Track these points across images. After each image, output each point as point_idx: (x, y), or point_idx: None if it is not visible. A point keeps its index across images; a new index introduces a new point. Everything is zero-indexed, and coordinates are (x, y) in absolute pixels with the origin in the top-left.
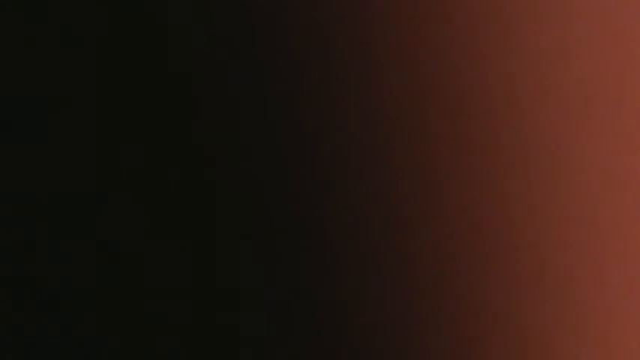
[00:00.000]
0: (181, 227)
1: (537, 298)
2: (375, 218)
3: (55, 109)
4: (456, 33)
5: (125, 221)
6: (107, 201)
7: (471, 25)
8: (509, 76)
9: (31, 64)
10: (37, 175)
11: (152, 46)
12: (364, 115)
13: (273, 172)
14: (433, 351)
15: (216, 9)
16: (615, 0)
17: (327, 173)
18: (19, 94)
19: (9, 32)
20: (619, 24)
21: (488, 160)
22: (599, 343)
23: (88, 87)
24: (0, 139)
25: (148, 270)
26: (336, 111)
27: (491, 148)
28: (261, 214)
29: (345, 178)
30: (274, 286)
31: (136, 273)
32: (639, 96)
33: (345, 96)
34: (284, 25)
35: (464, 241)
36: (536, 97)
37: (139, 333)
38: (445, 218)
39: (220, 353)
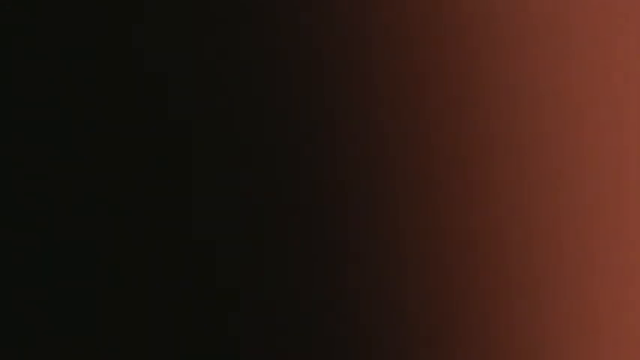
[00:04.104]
0: (179, 227)
1: (537, 299)
2: (372, 220)
3: (55, 109)
4: (455, 33)
5: (124, 221)
6: (105, 202)
7: (470, 26)
8: (508, 77)
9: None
10: (37, 175)
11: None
12: (361, 116)
13: (270, 172)
14: (431, 352)
15: (212, 9)
16: (615, 0)
17: (324, 175)
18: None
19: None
20: (619, 24)
21: (486, 162)
22: (599, 343)
23: (85, 84)
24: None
25: (147, 271)
26: (334, 113)
27: (490, 150)
28: (258, 215)
29: (342, 181)
30: (273, 287)
31: (135, 274)
32: (638, 96)
33: (343, 97)
34: (282, 25)
35: (463, 243)
36: (536, 97)
37: (139, 333)
38: (444, 220)
39: (219, 353)
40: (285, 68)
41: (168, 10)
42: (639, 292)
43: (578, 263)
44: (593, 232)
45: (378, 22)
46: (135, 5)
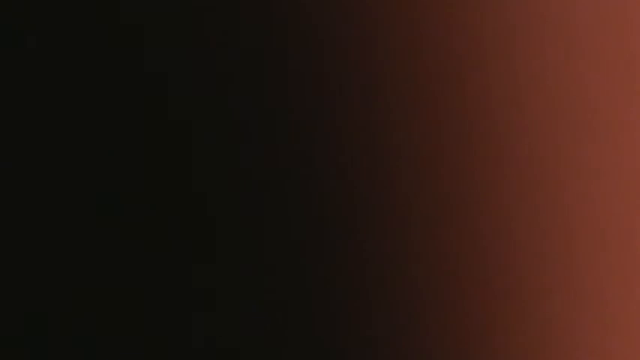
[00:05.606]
0: (179, 228)
1: (537, 299)
2: (374, 219)
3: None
4: (457, 33)
5: (123, 221)
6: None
7: (472, 26)
8: (510, 77)
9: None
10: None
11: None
12: (366, 116)
13: (272, 173)
14: (432, 352)
15: (214, 9)
16: (615, 0)
17: (326, 174)
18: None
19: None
20: (619, 24)
21: (488, 161)
22: (599, 343)
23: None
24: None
25: (147, 271)
26: (336, 111)
27: (492, 149)
28: (261, 215)
29: (345, 179)
30: (273, 287)
31: (135, 274)
32: (639, 96)
33: (346, 97)
34: (285, 25)
35: (464, 242)
36: (537, 97)
37: (138, 334)
38: (446, 219)
39: (219, 354)
40: (288, 67)
41: (169, 9)
42: None
43: (587, 263)
44: (601, 232)
45: (382, 21)
46: (135, 5)
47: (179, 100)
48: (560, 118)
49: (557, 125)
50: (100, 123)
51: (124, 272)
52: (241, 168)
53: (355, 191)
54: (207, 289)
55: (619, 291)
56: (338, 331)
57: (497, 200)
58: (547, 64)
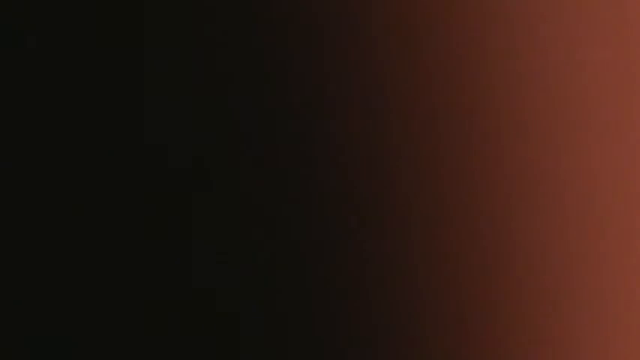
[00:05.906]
0: (178, 228)
1: (538, 298)
2: (374, 219)
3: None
4: (458, 33)
5: (123, 221)
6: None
7: (472, 26)
8: (510, 77)
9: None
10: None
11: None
12: (366, 116)
13: (273, 172)
14: (432, 352)
15: (215, 9)
16: (615, 0)
17: (326, 174)
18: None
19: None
20: (619, 24)
21: (488, 161)
22: (599, 343)
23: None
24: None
25: (146, 271)
26: (336, 112)
27: (492, 150)
28: (261, 215)
29: (345, 179)
30: (273, 287)
31: (134, 274)
32: (639, 96)
33: (346, 97)
34: (288, 24)
35: (466, 242)
36: (537, 97)
37: (138, 333)
38: (446, 219)
39: (218, 354)
40: (288, 67)
41: (169, 9)
42: None
43: (587, 263)
44: (601, 232)
45: (382, 21)
46: (135, 5)
47: (179, 100)
48: (561, 118)
49: (558, 126)
50: (100, 123)
51: (123, 272)
52: (241, 168)
53: (355, 191)
54: (207, 289)
55: (619, 291)
56: (338, 331)
57: (497, 200)
58: (547, 64)
